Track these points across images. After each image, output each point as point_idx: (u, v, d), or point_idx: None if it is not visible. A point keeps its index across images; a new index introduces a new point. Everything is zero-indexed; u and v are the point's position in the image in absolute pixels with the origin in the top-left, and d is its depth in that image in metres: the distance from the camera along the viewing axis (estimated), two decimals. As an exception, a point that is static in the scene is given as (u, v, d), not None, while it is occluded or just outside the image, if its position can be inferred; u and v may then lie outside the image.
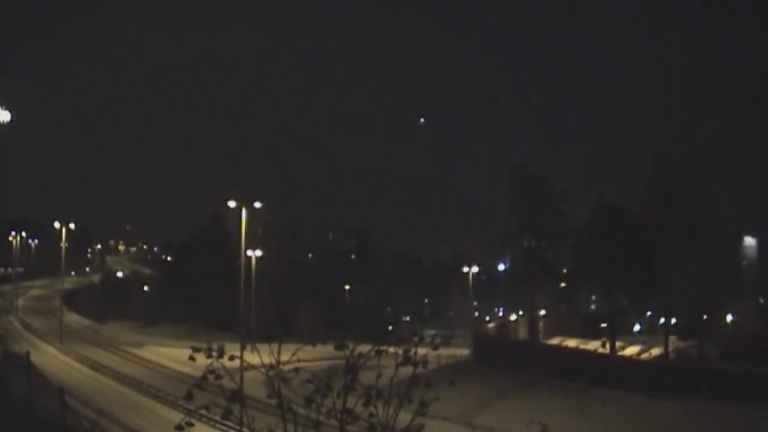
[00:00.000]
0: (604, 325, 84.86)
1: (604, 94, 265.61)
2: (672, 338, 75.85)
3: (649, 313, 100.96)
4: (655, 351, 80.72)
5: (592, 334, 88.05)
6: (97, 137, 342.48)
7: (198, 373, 8.15)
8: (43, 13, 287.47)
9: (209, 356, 8.07)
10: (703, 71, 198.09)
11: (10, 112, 53.61)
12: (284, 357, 8.46)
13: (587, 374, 60.04)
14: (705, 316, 74.10)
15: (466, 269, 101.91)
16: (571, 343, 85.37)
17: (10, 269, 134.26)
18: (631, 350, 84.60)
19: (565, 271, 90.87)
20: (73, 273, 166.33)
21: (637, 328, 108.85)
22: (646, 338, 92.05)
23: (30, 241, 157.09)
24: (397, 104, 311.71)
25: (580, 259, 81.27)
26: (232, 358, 8.26)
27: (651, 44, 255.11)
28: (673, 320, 79.49)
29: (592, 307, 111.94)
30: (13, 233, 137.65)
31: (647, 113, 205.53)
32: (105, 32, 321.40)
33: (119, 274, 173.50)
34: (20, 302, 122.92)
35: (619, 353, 77.83)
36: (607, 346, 77.01)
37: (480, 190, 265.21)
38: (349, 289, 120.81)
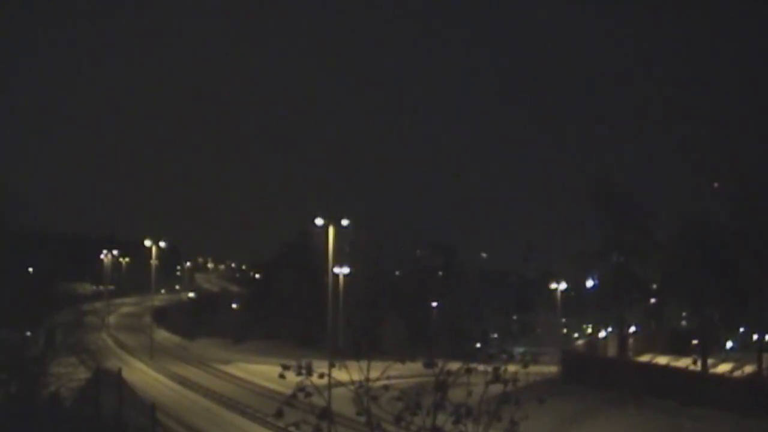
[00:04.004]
0: (695, 341, 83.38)
1: (691, 109, 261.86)
2: (766, 355, 74.16)
3: (742, 330, 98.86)
4: (749, 369, 78.99)
5: (683, 351, 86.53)
6: (186, 157, 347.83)
7: (285, 390, 8.19)
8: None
9: (299, 374, 8.11)
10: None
11: None
12: (373, 374, 8.46)
13: (678, 392, 58.94)
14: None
15: (553, 285, 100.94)
16: (662, 360, 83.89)
17: (101, 287, 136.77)
18: (724, 368, 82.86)
19: (654, 286, 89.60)
20: (163, 290, 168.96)
21: (729, 344, 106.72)
22: (739, 355, 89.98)
23: (120, 259, 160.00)
24: (487, 121, 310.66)
25: (669, 275, 80.00)
26: (321, 375, 8.29)
27: (740, 56, 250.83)
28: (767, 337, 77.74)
29: (683, 323, 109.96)
30: (105, 251, 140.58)
31: (734, 127, 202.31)
32: (178, 40, 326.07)
33: (191, 294, 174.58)
34: (112, 319, 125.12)
35: (711, 371, 76.34)
36: (699, 363, 75.65)
37: (567, 204, 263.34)
38: (436, 306, 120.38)
